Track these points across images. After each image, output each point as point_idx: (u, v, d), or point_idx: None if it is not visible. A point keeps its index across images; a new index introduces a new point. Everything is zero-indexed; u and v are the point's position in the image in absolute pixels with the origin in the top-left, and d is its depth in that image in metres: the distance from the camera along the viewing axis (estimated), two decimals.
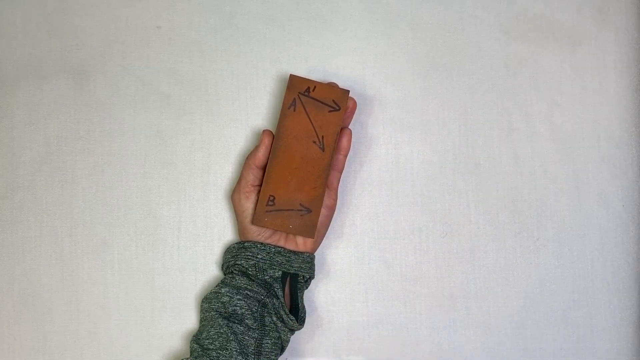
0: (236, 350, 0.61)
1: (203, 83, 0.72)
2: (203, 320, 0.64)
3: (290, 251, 0.65)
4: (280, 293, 0.64)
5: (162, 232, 0.70)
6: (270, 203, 0.64)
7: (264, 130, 0.66)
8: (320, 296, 0.70)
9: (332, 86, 0.66)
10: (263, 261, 0.64)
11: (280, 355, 0.65)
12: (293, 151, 0.64)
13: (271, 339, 0.63)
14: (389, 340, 0.70)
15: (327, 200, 0.66)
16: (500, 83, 0.73)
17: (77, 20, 0.72)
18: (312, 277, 0.67)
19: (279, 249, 0.65)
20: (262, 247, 0.64)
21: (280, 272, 0.64)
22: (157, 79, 0.72)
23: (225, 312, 0.63)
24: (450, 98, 0.72)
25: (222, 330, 0.61)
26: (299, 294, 0.66)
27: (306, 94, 0.65)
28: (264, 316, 0.63)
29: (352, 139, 0.69)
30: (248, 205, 0.65)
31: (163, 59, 0.72)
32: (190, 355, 0.62)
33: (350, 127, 0.69)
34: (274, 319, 0.63)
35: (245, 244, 0.65)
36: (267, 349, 0.62)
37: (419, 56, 0.73)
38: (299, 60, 0.72)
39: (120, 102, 0.71)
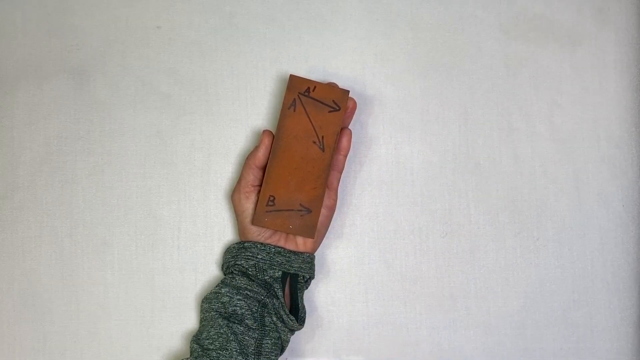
0: (236, 351, 0.61)
1: (203, 83, 0.72)
2: (203, 321, 0.64)
3: (290, 251, 0.65)
4: (280, 293, 0.64)
5: (162, 232, 0.70)
6: (270, 203, 0.64)
7: (264, 131, 0.66)
8: (320, 296, 0.70)
9: (332, 86, 0.66)
10: (263, 261, 0.64)
11: (280, 355, 0.65)
12: (293, 151, 0.64)
13: (271, 339, 0.63)
14: (389, 340, 0.70)
15: (327, 201, 0.66)
16: (500, 83, 0.73)
17: (77, 20, 0.72)
18: (312, 277, 0.67)
19: (279, 249, 0.65)
20: (262, 247, 0.64)
21: (280, 272, 0.64)
22: (157, 79, 0.72)
23: (226, 312, 0.63)
24: (450, 98, 0.73)
25: (222, 331, 0.61)
26: (299, 294, 0.66)
27: (306, 94, 0.65)
28: (264, 316, 0.63)
29: (352, 139, 0.69)
30: (248, 205, 0.65)
31: (163, 59, 0.72)
32: (190, 356, 0.62)
33: (350, 127, 0.69)
34: (274, 319, 0.63)
35: (245, 244, 0.65)
36: (267, 349, 0.62)
37: (419, 56, 0.73)
38: (299, 60, 0.72)
39: (120, 102, 0.71)
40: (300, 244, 0.66)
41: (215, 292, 0.64)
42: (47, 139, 0.71)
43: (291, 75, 0.65)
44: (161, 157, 0.71)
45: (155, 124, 0.71)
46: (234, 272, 0.65)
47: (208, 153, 0.71)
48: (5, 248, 0.70)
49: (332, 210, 0.67)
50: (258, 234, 0.65)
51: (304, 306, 0.66)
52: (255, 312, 0.63)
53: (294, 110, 0.65)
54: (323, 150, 0.65)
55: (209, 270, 0.70)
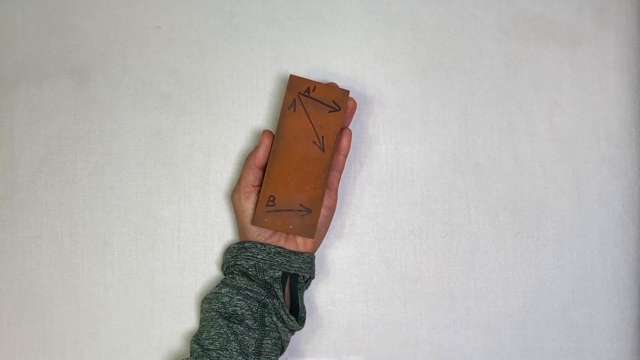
0: (236, 351, 0.61)
1: (203, 83, 0.72)
2: (203, 321, 0.64)
3: (290, 251, 0.65)
4: (280, 293, 0.64)
5: (162, 232, 0.70)
6: (270, 203, 0.64)
7: (264, 131, 0.66)
8: (320, 296, 0.70)
9: (332, 86, 0.66)
10: (263, 261, 0.64)
11: (281, 355, 0.65)
12: (293, 151, 0.64)
13: (271, 339, 0.63)
14: (389, 340, 0.70)
15: (327, 201, 0.66)
16: (500, 83, 0.73)
17: (77, 20, 0.72)
18: (312, 277, 0.67)
19: (279, 249, 0.65)
20: (262, 248, 0.64)
21: (280, 273, 0.64)
22: (157, 79, 0.72)
23: (226, 313, 0.63)
24: (450, 98, 0.72)
25: (222, 331, 0.61)
26: (299, 294, 0.66)
27: (306, 94, 0.65)
28: (264, 316, 0.63)
29: (352, 139, 0.69)
30: (248, 205, 0.65)
31: (163, 59, 0.72)
32: (191, 356, 0.62)
33: (350, 127, 0.69)
34: (274, 319, 0.63)
35: (245, 244, 0.65)
36: (267, 349, 0.62)
37: (419, 56, 0.73)
38: (299, 60, 0.72)
39: (120, 102, 0.71)
40: (300, 244, 0.66)
41: (216, 292, 0.64)
42: (47, 139, 0.71)
43: (291, 75, 0.65)
44: (161, 157, 0.71)
45: (155, 124, 0.71)
46: (234, 272, 0.65)
47: (208, 153, 0.71)
48: (5, 248, 0.70)
49: (332, 210, 0.67)
50: (258, 234, 0.65)
51: (304, 306, 0.66)
52: (256, 312, 0.63)
53: (294, 110, 0.65)
54: (323, 150, 0.65)
55: (209, 270, 0.70)
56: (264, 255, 0.64)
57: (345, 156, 0.67)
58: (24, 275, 0.70)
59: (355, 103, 0.67)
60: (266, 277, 0.64)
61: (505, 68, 0.73)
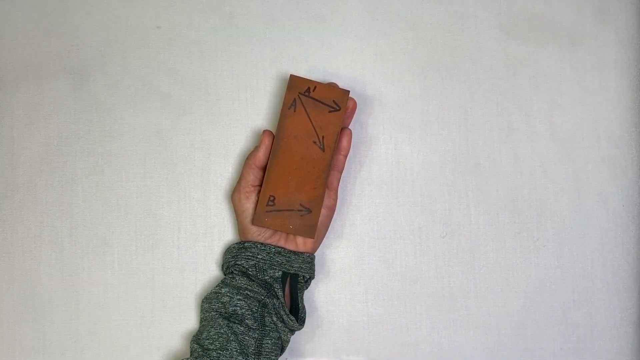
0: (236, 351, 0.61)
1: (203, 83, 0.72)
2: (203, 321, 0.64)
3: (291, 251, 0.65)
4: (280, 293, 0.64)
5: (162, 232, 0.70)
6: (271, 203, 0.64)
7: (264, 131, 0.66)
8: (320, 296, 0.70)
9: (332, 86, 0.66)
10: (263, 261, 0.64)
11: (281, 355, 0.65)
12: (293, 151, 0.64)
13: (271, 339, 0.63)
14: (389, 340, 0.70)
15: (327, 201, 0.66)
16: (500, 83, 0.73)
17: (77, 20, 0.72)
18: (312, 277, 0.67)
19: (279, 249, 0.65)
20: (262, 247, 0.64)
21: (280, 272, 0.64)
22: (157, 79, 0.72)
23: (226, 312, 0.63)
24: (450, 98, 0.73)
25: (222, 331, 0.61)
26: (299, 294, 0.66)
27: (306, 94, 0.65)
28: (264, 316, 0.63)
29: (352, 139, 0.69)
30: (248, 205, 0.65)
31: (163, 59, 0.72)
32: (191, 356, 0.62)
33: (350, 127, 0.69)
34: (274, 319, 0.63)
35: (246, 244, 0.65)
36: (267, 349, 0.62)
37: (419, 56, 0.73)
38: (299, 60, 0.72)
39: (120, 102, 0.71)
40: (301, 244, 0.66)
41: (216, 292, 0.64)
42: (47, 139, 0.71)
43: (291, 75, 0.65)
44: (161, 157, 0.71)
45: (155, 124, 0.71)
46: (234, 272, 0.65)
47: (208, 153, 0.71)
48: (5, 248, 0.70)
49: (332, 210, 0.67)
50: (258, 234, 0.65)
51: (304, 306, 0.66)
52: (256, 312, 0.63)
53: (294, 110, 0.65)
54: (323, 150, 0.65)
55: (209, 270, 0.70)
56: (264, 255, 0.64)
57: (346, 156, 0.67)
58: (24, 275, 0.70)
59: (355, 103, 0.67)
60: (266, 277, 0.64)
61: (505, 68, 0.73)
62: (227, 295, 0.63)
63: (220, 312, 0.63)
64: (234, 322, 0.62)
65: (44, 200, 0.70)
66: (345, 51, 0.72)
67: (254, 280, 0.64)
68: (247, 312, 0.62)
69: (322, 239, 0.68)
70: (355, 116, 0.71)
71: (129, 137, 0.71)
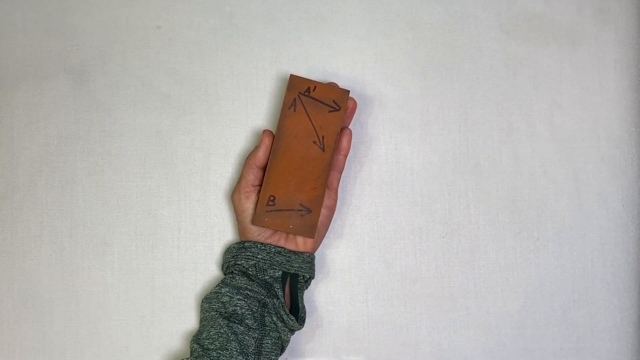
0: (236, 350, 0.61)
1: (203, 83, 0.72)
2: (203, 320, 0.64)
3: (291, 251, 0.65)
4: (280, 293, 0.64)
5: (162, 232, 0.70)
6: (271, 203, 0.64)
7: (264, 130, 0.66)
8: (320, 296, 0.70)
9: (332, 86, 0.66)
10: (263, 261, 0.64)
11: (280, 355, 0.65)
12: (293, 151, 0.64)
13: (271, 339, 0.63)
14: (389, 340, 0.70)
15: (327, 201, 0.66)
16: (500, 83, 0.73)
17: (77, 20, 0.72)
18: (312, 277, 0.67)
19: (279, 249, 0.65)
20: (262, 247, 0.64)
21: (280, 272, 0.64)
22: (157, 79, 0.72)
23: (226, 312, 0.63)
24: (450, 98, 0.73)
25: (222, 330, 0.61)
26: (299, 294, 0.66)
27: (306, 94, 0.65)
28: (264, 316, 0.63)
29: (352, 139, 0.69)
30: (248, 205, 0.65)
31: (163, 59, 0.72)
32: (191, 355, 0.62)
33: (350, 127, 0.69)
34: (274, 319, 0.63)
35: (246, 244, 0.65)
36: (267, 349, 0.62)
37: (419, 56, 0.73)
38: (299, 60, 0.72)
39: (120, 102, 0.71)
40: (301, 243, 0.66)
41: (216, 292, 0.64)
42: (47, 139, 0.71)
43: (291, 75, 0.65)
44: (161, 157, 0.71)
45: (155, 124, 0.71)
46: (234, 272, 0.65)
47: (208, 153, 0.71)
48: (5, 248, 0.70)
49: (332, 210, 0.67)
50: (258, 234, 0.65)
51: (304, 306, 0.66)
52: (256, 312, 0.63)
53: (294, 110, 0.65)
54: (323, 150, 0.65)
55: (209, 270, 0.70)
56: (264, 255, 0.64)
57: (346, 156, 0.67)
58: (24, 275, 0.70)
59: (355, 103, 0.67)
60: (266, 277, 0.64)
61: (505, 68, 0.73)
62: (227, 295, 0.63)
63: (220, 312, 0.63)
64: (234, 322, 0.62)
65: (44, 200, 0.70)
66: (345, 51, 0.72)
67: (254, 280, 0.64)
68: (247, 312, 0.62)
69: (322, 238, 0.68)
70: (355, 116, 0.71)
71: (129, 137, 0.71)
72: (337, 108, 0.65)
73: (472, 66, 0.73)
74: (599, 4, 0.74)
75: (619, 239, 0.72)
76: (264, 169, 0.65)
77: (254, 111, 0.72)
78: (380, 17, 0.73)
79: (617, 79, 0.73)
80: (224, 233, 0.70)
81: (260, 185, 0.65)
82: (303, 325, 0.66)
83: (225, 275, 0.67)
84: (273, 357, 0.63)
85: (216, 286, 0.65)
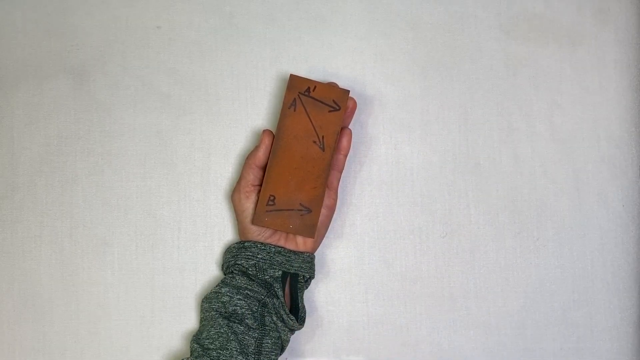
0: (236, 350, 0.61)
1: (203, 83, 0.72)
2: (203, 320, 0.64)
3: (291, 251, 0.65)
4: (280, 293, 0.64)
5: (162, 232, 0.70)
6: (271, 203, 0.64)
7: (264, 130, 0.66)
8: (320, 296, 0.70)
9: (332, 86, 0.66)
10: (263, 261, 0.64)
11: (280, 355, 0.65)
12: (293, 151, 0.64)
13: (271, 339, 0.63)
14: (389, 340, 0.70)
15: (327, 200, 0.66)
16: (500, 83, 0.73)
17: (77, 20, 0.72)
18: (312, 277, 0.67)
19: (279, 248, 0.65)
20: (262, 247, 0.64)
21: (280, 272, 0.64)
22: (157, 79, 0.72)
23: (226, 312, 0.63)
24: (450, 98, 0.73)
25: (222, 330, 0.61)
26: (299, 294, 0.66)
27: (306, 93, 0.65)
28: (264, 316, 0.63)
29: (352, 139, 0.69)
30: (248, 205, 0.65)
31: (163, 59, 0.72)
32: (191, 355, 0.62)
33: (350, 127, 0.69)
34: (274, 318, 0.63)
35: (246, 244, 0.65)
36: (267, 349, 0.62)
37: (419, 56, 0.73)
38: (299, 60, 0.72)
39: (120, 102, 0.71)
40: (300, 243, 0.66)
41: (216, 292, 0.64)
42: (47, 139, 0.71)
43: (291, 75, 0.65)
44: (161, 157, 0.71)
45: (155, 124, 0.71)
46: (234, 271, 0.65)
47: (208, 153, 0.71)
48: (5, 248, 0.70)
49: (332, 210, 0.67)
50: (258, 234, 0.65)
51: (304, 306, 0.66)
52: (256, 312, 0.63)
53: (294, 110, 0.65)
54: (323, 150, 0.65)
55: (209, 270, 0.70)
56: (264, 254, 0.64)
57: (346, 156, 0.67)
58: (24, 275, 0.70)
59: (355, 103, 0.67)
60: (266, 277, 0.64)
61: (505, 68, 0.73)
62: (227, 295, 0.63)
63: (220, 312, 0.63)
64: (234, 322, 0.62)
65: (44, 200, 0.70)
66: (345, 51, 0.72)
67: (254, 280, 0.64)
68: (247, 312, 0.62)
69: (322, 238, 0.68)
70: (355, 116, 0.71)
71: (129, 137, 0.71)
72: (337, 108, 0.65)
73: (472, 66, 0.73)
74: (599, 4, 0.74)
75: (619, 239, 0.72)
76: (264, 168, 0.65)
77: (254, 111, 0.72)
78: (380, 17, 0.73)
79: (617, 79, 0.73)
80: (224, 233, 0.70)
81: (260, 185, 0.65)
82: (303, 325, 0.66)
83: (225, 275, 0.67)
84: (273, 356, 0.63)
85: (216, 286, 0.65)
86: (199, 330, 0.64)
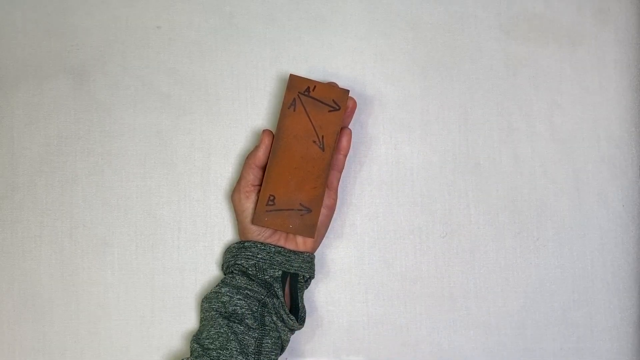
0: (236, 350, 0.61)
1: (203, 83, 0.72)
2: (203, 320, 0.64)
3: (290, 251, 0.65)
4: (280, 293, 0.64)
5: (162, 232, 0.70)
6: (270, 203, 0.64)
7: (264, 130, 0.66)
8: (320, 296, 0.70)
9: (332, 86, 0.66)
10: (263, 261, 0.64)
11: (280, 355, 0.65)
12: (293, 151, 0.64)
13: (271, 339, 0.63)
14: (389, 340, 0.70)
15: (327, 200, 0.66)
16: (500, 83, 0.73)
17: (77, 20, 0.72)
18: (312, 277, 0.67)
19: (279, 248, 0.65)
20: (262, 247, 0.64)
21: (280, 272, 0.64)
22: (157, 79, 0.72)
23: (226, 312, 0.63)
24: (450, 98, 0.73)
25: (222, 330, 0.61)
26: (299, 294, 0.66)
27: (306, 93, 0.65)
28: (264, 316, 0.63)
29: (352, 139, 0.69)
30: (248, 205, 0.65)
31: (163, 59, 0.72)
32: (191, 355, 0.62)
33: (350, 127, 0.69)
34: (274, 318, 0.63)
35: (246, 244, 0.65)
36: (267, 349, 0.62)
37: (419, 56, 0.73)
38: (299, 60, 0.72)
39: (120, 102, 0.71)
40: (300, 243, 0.66)
41: (216, 292, 0.64)
42: (47, 139, 0.71)
43: (291, 75, 0.65)
44: (161, 157, 0.71)
45: (155, 124, 0.71)
46: (234, 271, 0.65)
47: (208, 153, 0.71)
48: (5, 248, 0.70)
49: (332, 209, 0.67)
50: (258, 234, 0.65)
51: (304, 306, 0.66)
52: (256, 312, 0.63)
53: (294, 110, 0.65)
54: (323, 150, 0.65)
55: (209, 270, 0.70)
56: (264, 254, 0.64)
57: (345, 156, 0.67)
58: (24, 275, 0.70)
59: (355, 102, 0.67)
60: (266, 277, 0.64)
61: (505, 68, 0.73)
62: (227, 295, 0.63)
63: (220, 312, 0.63)
64: (234, 322, 0.62)
65: (44, 200, 0.70)
66: (345, 51, 0.73)
67: (253, 280, 0.64)
68: (247, 312, 0.62)
69: (322, 238, 0.68)
70: (355, 116, 0.71)
71: (129, 137, 0.71)
72: (337, 108, 0.65)
73: (472, 66, 0.73)
74: (599, 4, 0.74)
75: (619, 239, 0.72)
76: (264, 168, 0.65)
77: (254, 111, 0.72)
78: (380, 17, 0.73)
79: (617, 79, 0.73)
80: (224, 233, 0.70)
81: (260, 185, 0.65)
82: (303, 325, 0.66)
83: (225, 275, 0.67)
84: (273, 356, 0.63)
85: (216, 286, 0.65)
86: (199, 330, 0.64)
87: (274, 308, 0.63)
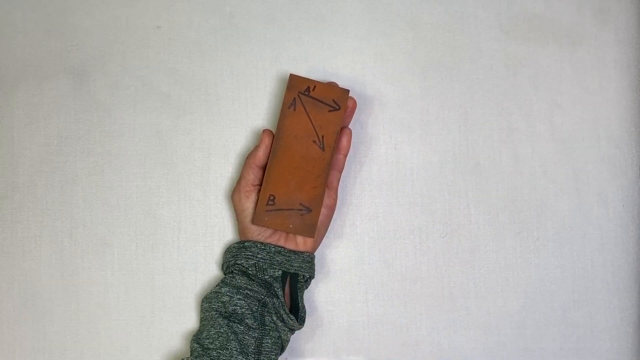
0: (236, 350, 0.61)
1: (203, 83, 0.72)
2: (203, 320, 0.64)
3: (290, 251, 0.65)
4: (280, 292, 0.64)
5: (162, 232, 0.70)
6: (271, 202, 0.64)
7: (264, 130, 0.66)
8: (320, 296, 0.70)
9: (332, 86, 0.66)
10: (263, 261, 0.64)
11: (280, 354, 0.65)
12: (293, 151, 0.64)
13: (271, 339, 0.63)
14: (389, 340, 0.70)
15: (327, 200, 0.66)
16: (500, 83, 0.73)
17: (77, 20, 0.72)
18: (312, 276, 0.67)
19: (279, 248, 0.65)
20: (262, 247, 0.64)
21: (280, 272, 0.64)
22: (157, 79, 0.72)
23: (226, 312, 0.63)
24: (450, 98, 0.73)
25: (222, 330, 0.61)
26: (299, 294, 0.66)
27: (306, 93, 0.65)
28: (264, 316, 0.63)
29: (352, 139, 0.69)
30: (248, 204, 0.65)
31: (163, 59, 0.72)
32: (191, 355, 0.62)
33: (350, 126, 0.69)
34: (274, 318, 0.63)
35: (246, 244, 0.65)
36: (267, 349, 0.62)
37: (419, 56, 0.73)
38: (299, 60, 0.72)
39: (120, 102, 0.71)
40: (300, 243, 0.66)
41: (216, 292, 0.64)
42: (47, 139, 0.71)
43: (291, 75, 0.65)
44: (161, 157, 0.71)
45: (155, 124, 0.71)
46: (234, 271, 0.65)
47: (208, 153, 0.71)
48: (5, 248, 0.70)
49: (332, 209, 0.67)
50: (258, 234, 0.65)
51: (304, 306, 0.66)
52: (256, 312, 0.63)
53: (294, 110, 0.65)
54: (323, 150, 0.65)
55: (209, 270, 0.70)
56: (264, 254, 0.64)
57: (345, 155, 0.67)
58: (24, 275, 0.70)
59: (355, 102, 0.67)
60: (266, 277, 0.64)
61: (505, 68, 0.73)
62: (227, 295, 0.63)
63: (220, 312, 0.63)
64: (234, 322, 0.62)
65: (44, 200, 0.70)
66: (345, 51, 0.73)
67: (253, 280, 0.64)
68: (247, 312, 0.62)
69: (322, 238, 0.68)
70: (355, 116, 0.71)
71: (129, 137, 0.71)
72: (337, 107, 0.65)
73: (472, 66, 0.73)
74: (599, 4, 0.74)
75: (619, 239, 0.72)
76: (264, 168, 0.65)
77: (254, 111, 0.72)
78: (380, 17, 0.73)
79: (617, 79, 0.73)
80: (224, 233, 0.70)
81: (260, 185, 0.65)
82: (303, 325, 0.66)
83: (225, 274, 0.67)
84: (273, 356, 0.63)
85: (216, 286, 0.65)
86: (199, 330, 0.64)
87: (274, 308, 0.63)
